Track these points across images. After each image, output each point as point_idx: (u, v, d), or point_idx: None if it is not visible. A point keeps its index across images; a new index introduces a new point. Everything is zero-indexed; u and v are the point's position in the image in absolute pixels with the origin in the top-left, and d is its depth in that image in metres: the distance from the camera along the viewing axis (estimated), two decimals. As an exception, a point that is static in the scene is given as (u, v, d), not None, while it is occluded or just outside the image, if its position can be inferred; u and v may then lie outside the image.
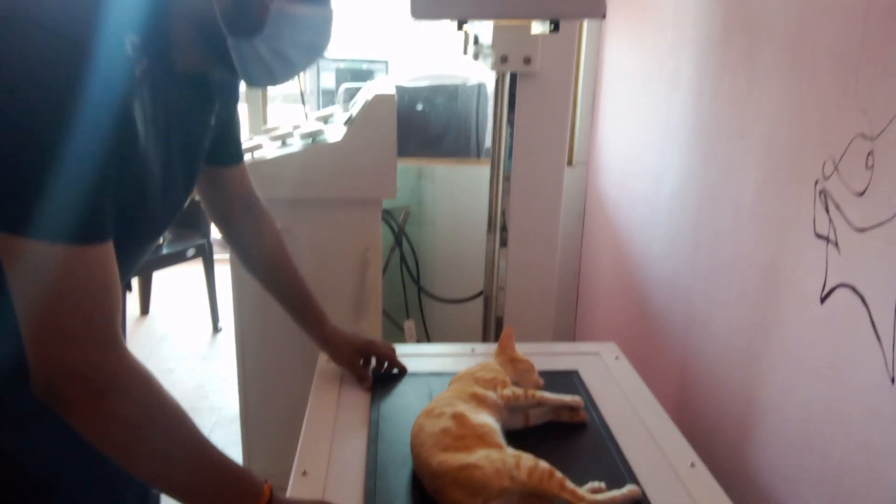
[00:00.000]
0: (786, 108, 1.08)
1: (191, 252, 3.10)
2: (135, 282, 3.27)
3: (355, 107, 1.70)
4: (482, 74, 2.48)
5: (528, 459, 0.87)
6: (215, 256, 3.24)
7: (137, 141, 0.72)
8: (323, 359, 1.29)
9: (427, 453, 0.89)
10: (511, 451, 0.89)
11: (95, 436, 0.68)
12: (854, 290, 0.89)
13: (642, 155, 1.77)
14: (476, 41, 1.74)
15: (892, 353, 0.81)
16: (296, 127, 1.74)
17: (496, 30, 1.54)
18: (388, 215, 2.05)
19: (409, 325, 2.10)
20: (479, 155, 2.48)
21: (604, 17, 1.30)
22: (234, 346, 1.77)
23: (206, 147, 0.94)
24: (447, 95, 2.46)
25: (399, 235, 2.07)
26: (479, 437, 0.90)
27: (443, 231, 2.32)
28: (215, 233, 3.14)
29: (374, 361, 1.24)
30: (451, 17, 1.36)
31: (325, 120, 1.80)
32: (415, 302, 2.19)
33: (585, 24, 2.18)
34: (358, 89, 2.08)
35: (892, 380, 0.81)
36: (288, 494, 0.92)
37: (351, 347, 1.20)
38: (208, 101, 0.91)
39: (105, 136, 0.65)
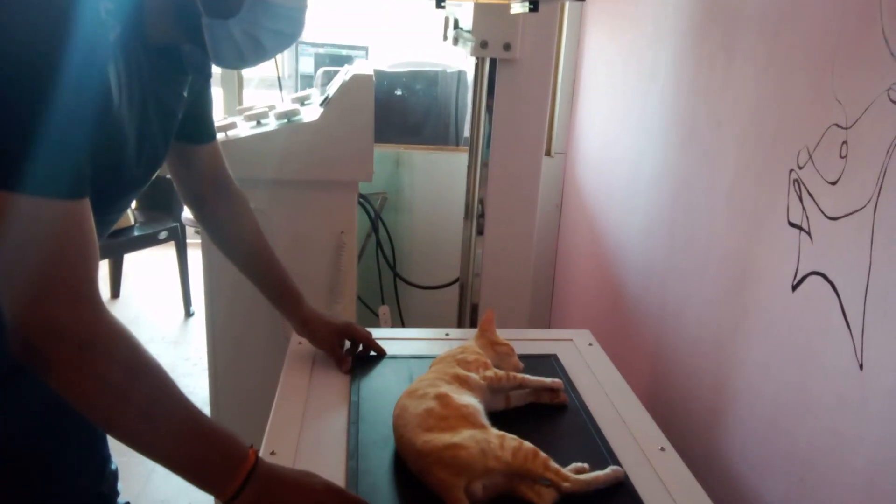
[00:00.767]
0: (762, 98, 1.08)
1: (163, 235, 3.05)
2: (105, 264, 3.20)
3: (333, 88, 1.67)
4: (462, 62, 2.47)
5: (512, 440, 0.87)
6: (188, 240, 3.19)
7: (111, 104, 0.71)
8: (294, 341, 1.28)
9: (411, 433, 0.89)
10: (495, 432, 0.89)
11: (74, 394, 0.67)
12: (825, 277, 0.90)
13: (620, 145, 1.78)
14: (456, 25, 1.72)
15: (861, 340, 0.82)
16: (271, 107, 1.71)
17: (476, 14, 1.53)
18: (364, 200, 2.03)
19: (385, 311, 2.09)
20: (457, 143, 2.47)
21: (584, -1, 1.30)
22: (205, 331, 1.74)
23: (178, 118, 0.93)
24: (427, 81, 2.44)
25: (375, 221, 2.05)
26: (463, 418, 0.90)
27: (419, 218, 2.31)
28: (188, 213, 3.09)
29: (348, 344, 1.23)
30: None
31: (302, 101, 1.78)
32: (390, 288, 2.18)
33: (567, 13, 2.17)
34: (336, 72, 2.05)
35: (861, 366, 0.82)
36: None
37: (329, 329, 1.19)
38: (181, 72, 0.90)
39: (83, 96, 0.65)
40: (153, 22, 0.80)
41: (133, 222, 3.01)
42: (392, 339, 1.30)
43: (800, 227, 0.96)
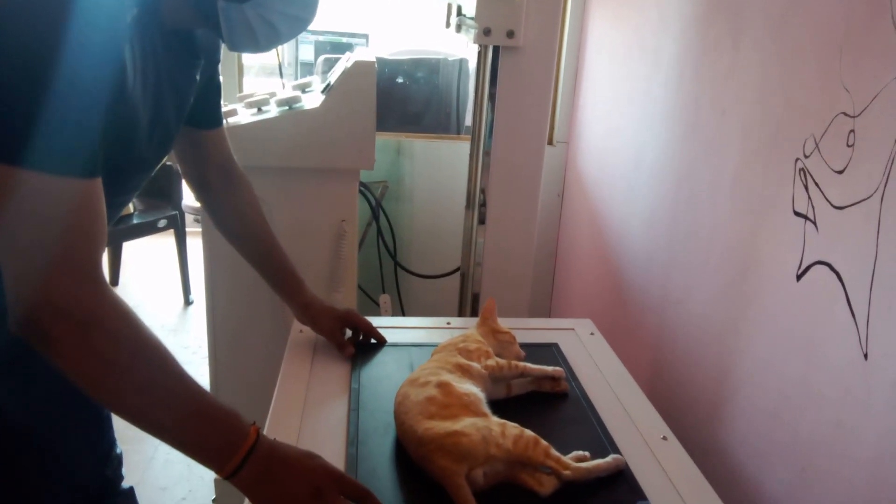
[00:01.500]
0: (768, 86, 1.07)
1: (162, 223, 3.04)
2: (104, 252, 3.20)
3: (334, 75, 1.66)
4: (464, 50, 2.45)
5: (513, 428, 0.87)
6: (187, 228, 3.18)
7: (126, 84, 0.72)
8: (296, 329, 1.27)
9: (412, 421, 0.89)
10: (496, 420, 0.89)
11: (74, 372, 0.67)
12: (831, 267, 0.89)
13: (623, 133, 1.77)
14: (459, 12, 1.71)
15: (867, 330, 0.81)
16: (272, 94, 1.70)
17: (480, 1, 1.51)
18: (365, 189, 2.02)
19: (385, 300, 2.08)
20: (458, 131, 2.46)
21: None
22: (206, 319, 1.74)
23: (190, 101, 0.94)
24: (428, 69, 2.43)
25: (376, 209, 2.04)
26: (465, 406, 0.90)
27: (420, 207, 2.30)
28: (188, 201, 3.07)
29: (348, 333, 1.23)
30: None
31: (303, 88, 1.76)
32: (391, 277, 2.18)
33: None
34: (337, 60, 2.04)
35: (865, 356, 0.81)
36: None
37: (330, 315, 1.19)
38: (194, 56, 0.91)
39: (99, 75, 0.65)
40: (169, 5, 0.81)
41: (132, 210, 3.00)
42: (393, 327, 1.30)
43: (805, 217, 0.95)
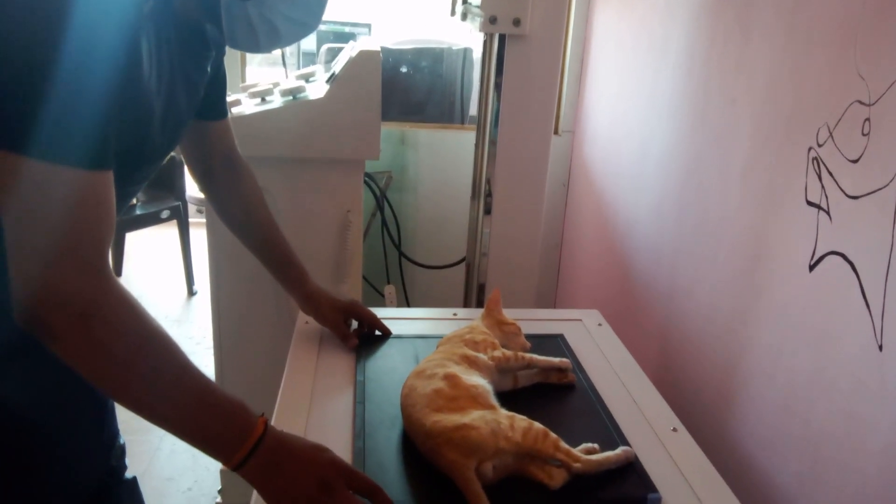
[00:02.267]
0: (780, 75, 1.06)
1: (165, 213, 3.03)
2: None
3: (338, 64, 1.65)
4: (468, 40, 2.43)
5: (522, 420, 0.86)
6: (190, 219, 3.17)
7: (142, 76, 0.71)
8: (301, 320, 1.26)
9: (420, 413, 0.88)
10: (505, 413, 0.88)
11: (78, 363, 0.67)
12: (844, 257, 0.88)
13: (629, 123, 1.75)
14: (465, 0, 1.69)
15: (882, 320, 0.80)
16: (275, 84, 1.69)
17: (486, -12, 1.50)
18: (369, 179, 2.01)
19: (390, 290, 2.07)
20: (463, 121, 2.44)
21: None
22: (210, 310, 1.73)
23: (201, 93, 0.94)
24: (432, 59, 2.41)
25: (381, 200, 2.03)
26: (473, 399, 0.89)
27: (425, 197, 2.29)
28: (191, 192, 3.06)
29: (354, 324, 1.22)
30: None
31: (307, 78, 1.75)
32: (395, 267, 2.17)
33: (575, -12, 2.13)
34: (340, 49, 2.02)
35: (880, 347, 0.81)
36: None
37: (334, 306, 1.18)
38: (206, 48, 0.91)
39: (114, 66, 0.64)
40: None
41: (135, 201, 2.99)
42: (398, 318, 1.29)
43: (818, 207, 0.94)
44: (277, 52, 2.00)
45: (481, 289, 1.74)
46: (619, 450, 0.90)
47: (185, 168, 3.07)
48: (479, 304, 1.73)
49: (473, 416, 0.85)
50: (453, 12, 1.79)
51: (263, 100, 1.61)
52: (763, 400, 1.06)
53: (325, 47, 2.38)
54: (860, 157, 0.86)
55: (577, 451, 0.87)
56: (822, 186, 0.93)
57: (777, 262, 1.04)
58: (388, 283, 2.13)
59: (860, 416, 0.84)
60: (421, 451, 0.88)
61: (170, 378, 0.71)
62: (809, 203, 0.96)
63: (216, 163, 1.13)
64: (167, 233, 3.36)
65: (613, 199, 1.85)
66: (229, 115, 1.13)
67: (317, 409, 1.00)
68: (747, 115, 1.15)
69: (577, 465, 0.85)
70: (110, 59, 0.64)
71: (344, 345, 1.17)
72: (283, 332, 1.28)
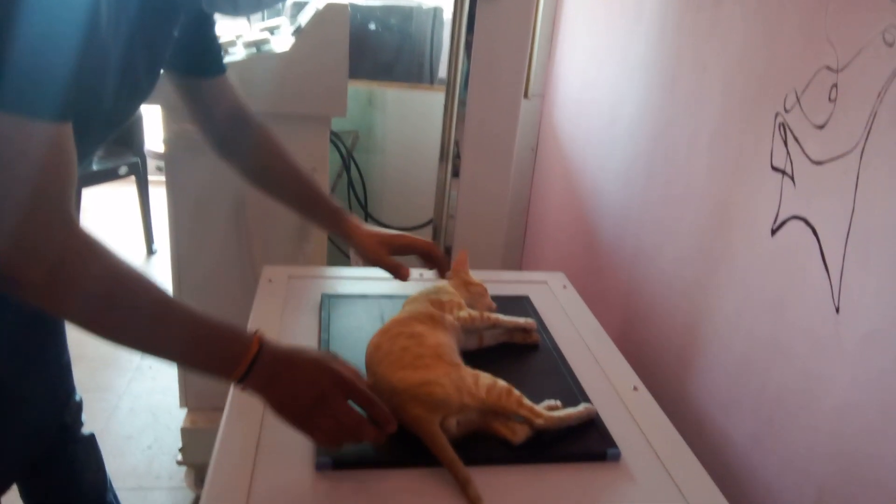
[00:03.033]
0: (751, 41, 1.06)
1: (123, 170, 2.94)
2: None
3: (304, 17, 1.59)
4: (438, -2, 2.38)
5: (486, 378, 0.88)
6: (150, 177, 3.08)
7: (99, 28, 0.68)
8: (264, 279, 1.24)
9: (385, 370, 0.88)
10: (469, 370, 0.89)
11: (58, 312, 0.68)
12: (806, 222, 0.89)
13: (600, 87, 1.74)
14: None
15: (840, 283, 0.82)
16: (238, 36, 1.63)
17: (459, -57, 1.46)
18: (336, 138, 1.98)
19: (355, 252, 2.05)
20: (431, 82, 2.40)
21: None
22: (170, 269, 1.69)
23: (165, 57, 0.89)
24: (401, 17, 2.35)
25: (347, 160, 2.00)
26: (438, 357, 0.89)
27: (392, 158, 2.26)
28: (150, 147, 2.96)
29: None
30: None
31: (272, 30, 1.69)
32: (361, 229, 2.15)
33: (549, -52, 2.10)
34: (306, 3, 1.96)
35: (837, 310, 0.83)
36: (226, 411, 0.90)
37: (377, 239, 1.12)
38: (173, 10, 0.86)
39: (71, 17, 0.62)
40: None
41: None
42: (364, 278, 1.28)
43: (783, 172, 0.95)
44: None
45: (448, 251, 1.74)
46: (581, 407, 0.91)
47: (143, 122, 2.97)
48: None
49: (438, 373, 0.86)
50: (424, -33, 1.74)
51: (226, 52, 1.56)
52: (722, 361, 1.09)
53: (291, 0, 2.31)
54: (826, 122, 0.87)
55: (539, 407, 0.88)
56: (788, 152, 0.94)
57: (740, 227, 1.06)
58: (354, 244, 2.11)
59: (816, 376, 0.87)
60: (386, 407, 0.88)
61: (151, 315, 0.71)
62: (774, 168, 0.97)
63: (223, 123, 1.08)
64: (125, 190, 3.27)
65: (581, 164, 1.85)
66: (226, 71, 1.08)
67: (280, 365, 0.99)
68: (717, 80, 1.15)
69: (540, 421, 0.86)
70: (71, 13, 0.62)
71: (395, 277, 1.11)
72: (245, 292, 1.25)
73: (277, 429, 0.86)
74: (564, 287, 1.33)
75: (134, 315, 0.70)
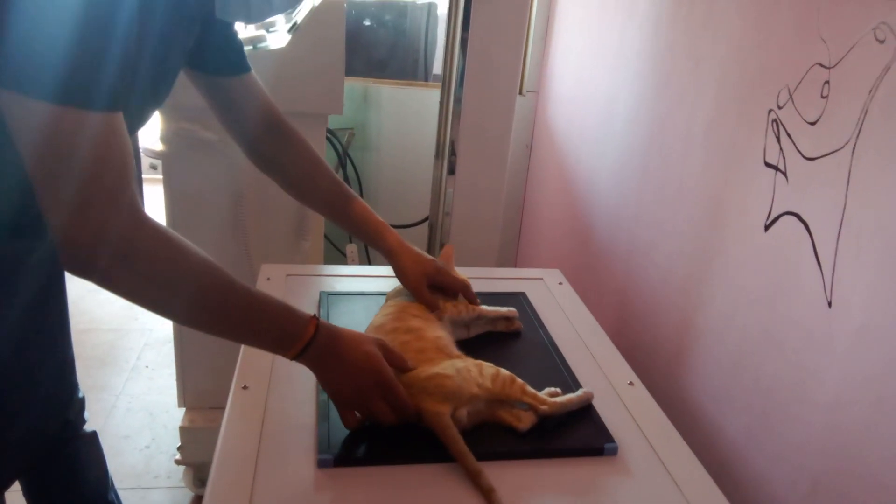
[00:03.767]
0: (744, 37, 1.07)
1: (118, 168, 2.92)
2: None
3: (300, 14, 1.60)
4: (433, -6, 2.38)
5: (489, 367, 0.90)
6: (144, 175, 3.07)
7: (133, 32, 0.69)
8: (263, 277, 1.25)
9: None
10: (472, 361, 0.91)
11: (130, 297, 0.71)
12: (799, 217, 0.91)
13: (594, 83, 1.75)
14: (431, -48, 1.65)
15: (832, 278, 0.84)
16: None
17: (453, -60, 1.46)
18: (331, 136, 1.98)
19: (352, 249, 2.06)
20: (426, 79, 2.41)
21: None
22: (167, 265, 1.69)
23: (180, 66, 0.90)
24: (396, 13, 2.36)
25: (343, 157, 2.00)
26: (439, 350, 0.92)
27: (388, 156, 2.27)
28: (145, 145, 2.95)
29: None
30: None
31: (267, 27, 1.69)
32: (357, 227, 2.15)
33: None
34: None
35: (829, 304, 0.84)
36: (227, 410, 0.91)
37: (419, 270, 1.06)
38: (189, 20, 0.86)
39: (119, 9, 0.64)
40: None
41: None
42: (360, 276, 1.29)
43: (776, 168, 0.96)
44: None
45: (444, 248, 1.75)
46: (580, 391, 0.94)
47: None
48: (442, 263, 1.74)
49: (444, 366, 0.88)
50: (419, -35, 1.75)
51: (222, 50, 1.55)
52: (716, 356, 1.10)
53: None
54: (818, 119, 0.88)
55: (541, 395, 0.91)
56: (781, 148, 0.95)
57: (734, 223, 1.07)
58: (350, 241, 2.11)
59: (809, 370, 0.88)
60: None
61: (217, 297, 0.76)
62: (767, 164, 0.98)
63: (253, 125, 1.05)
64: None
65: (576, 160, 1.86)
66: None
67: (279, 365, 0.99)
68: (711, 76, 1.16)
69: (544, 407, 0.88)
70: (126, 8, 0.64)
71: (430, 311, 1.04)
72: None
73: (279, 427, 0.87)
74: (560, 283, 1.34)
75: (202, 297, 0.74)
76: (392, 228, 1.10)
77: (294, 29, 1.53)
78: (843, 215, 0.82)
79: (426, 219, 1.81)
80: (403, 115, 2.25)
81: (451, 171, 1.69)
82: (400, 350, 0.90)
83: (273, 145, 1.07)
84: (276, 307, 0.81)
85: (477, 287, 1.13)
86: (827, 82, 0.87)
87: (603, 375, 1.05)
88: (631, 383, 1.03)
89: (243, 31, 1.66)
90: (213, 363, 1.57)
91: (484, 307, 1.11)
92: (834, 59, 0.86)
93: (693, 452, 0.90)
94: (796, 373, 0.90)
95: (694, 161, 1.20)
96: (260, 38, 1.53)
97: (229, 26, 0.99)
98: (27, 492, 1.07)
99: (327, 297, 1.18)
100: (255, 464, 0.81)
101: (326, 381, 0.85)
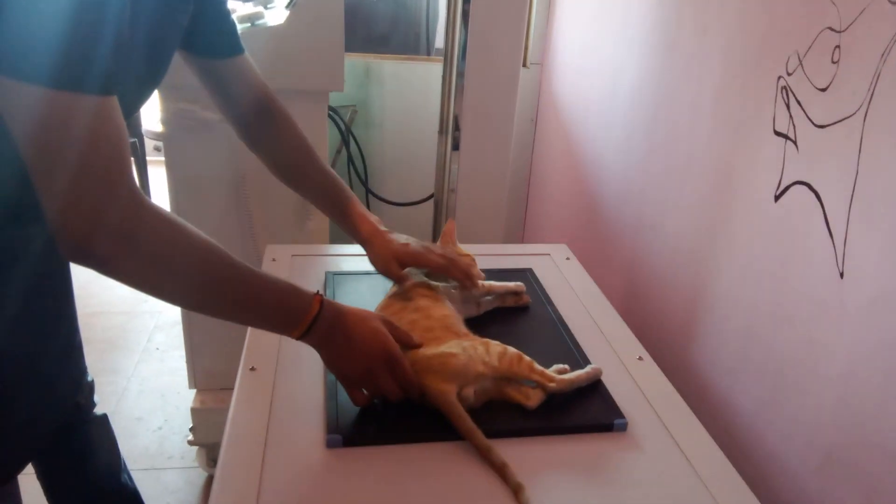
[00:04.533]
0: (752, 2, 1.04)
1: (121, 151, 2.91)
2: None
3: (298, -10, 1.57)
4: (434, -35, 2.34)
5: (496, 345, 0.89)
6: (148, 157, 3.06)
7: (125, 15, 0.69)
8: (268, 257, 1.24)
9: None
10: (479, 339, 0.91)
11: (130, 281, 0.70)
12: (809, 186, 0.89)
13: (599, 54, 1.72)
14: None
15: (844, 248, 0.82)
16: (232, 10, 1.60)
17: None
18: (334, 113, 1.96)
19: (357, 228, 2.05)
20: (428, 53, 2.38)
21: None
22: (173, 248, 1.69)
23: (174, 48, 0.88)
24: (396, -13, 2.31)
25: (346, 135, 1.99)
26: (447, 328, 0.91)
27: (391, 132, 2.24)
28: (148, 127, 2.94)
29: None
30: None
31: (265, 4, 1.67)
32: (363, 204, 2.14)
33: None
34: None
35: (841, 275, 0.82)
36: (235, 392, 0.91)
37: (387, 253, 1.06)
38: (183, 1, 0.85)
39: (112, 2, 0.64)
40: None
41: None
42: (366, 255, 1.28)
43: (786, 136, 0.94)
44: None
45: (450, 225, 1.74)
46: (588, 367, 0.94)
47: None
48: (448, 240, 1.73)
49: (451, 345, 0.87)
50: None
51: (220, 28, 1.53)
52: (726, 329, 1.09)
53: (283, -26, 2.27)
54: (829, 85, 0.86)
55: (550, 371, 0.90)
56: (791, 116, 0.93)
57: (743, 193, 1.05)
58: (356, 220, 2.10)
59: (820, 342, 0.87)
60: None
61: (220, 279, 0.75)
62: (777, 133, 0.96)
63: (246, 107, 1.04)
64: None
65: (583, 133, 1.83)
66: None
67: (286, 346, 0.99)
68: (718, 44, 1.13)
69: (553, 384, 0.88)
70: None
71: (398, 285, 1.05)
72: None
73: (287, 408, 0.87)
74: (567, 259, 1.33)
75: (205, 278, 0.74)
76: (373, 220, 1.09)
77: (292, 5, 1.50)
78: (854, 184, 0.81)
79: (431, 195, 1.80)
80: (406, 91, 2.22)
81: (456, 147, 1.67)
82: (408, 329, 0.90)
83: (261, 128, 1.07)
84: (279, 287, 0.80)
85: (483, 264, 1.12)
86: (837, 47, 0.85)
87: (612, 351, 1.04)
88: (640, 358, 1.03)
89: (241, 7, 1.64)
90: (222, 345, 1.57)
91: (492, 283, 1.10)
92: (845, 23, 0.83)
93: (704, 427, 0.90)
94: (807, 345, 0.89)
95: (701, 131, 1.18)
96: (258, 15, 1.51)
97: (222, 5, 0.97)
98: (41, 475, 1.08)
99: (333, 277, 1.18)
100: (265, 445, 0.81)
101: (333, 360, 0.84)
